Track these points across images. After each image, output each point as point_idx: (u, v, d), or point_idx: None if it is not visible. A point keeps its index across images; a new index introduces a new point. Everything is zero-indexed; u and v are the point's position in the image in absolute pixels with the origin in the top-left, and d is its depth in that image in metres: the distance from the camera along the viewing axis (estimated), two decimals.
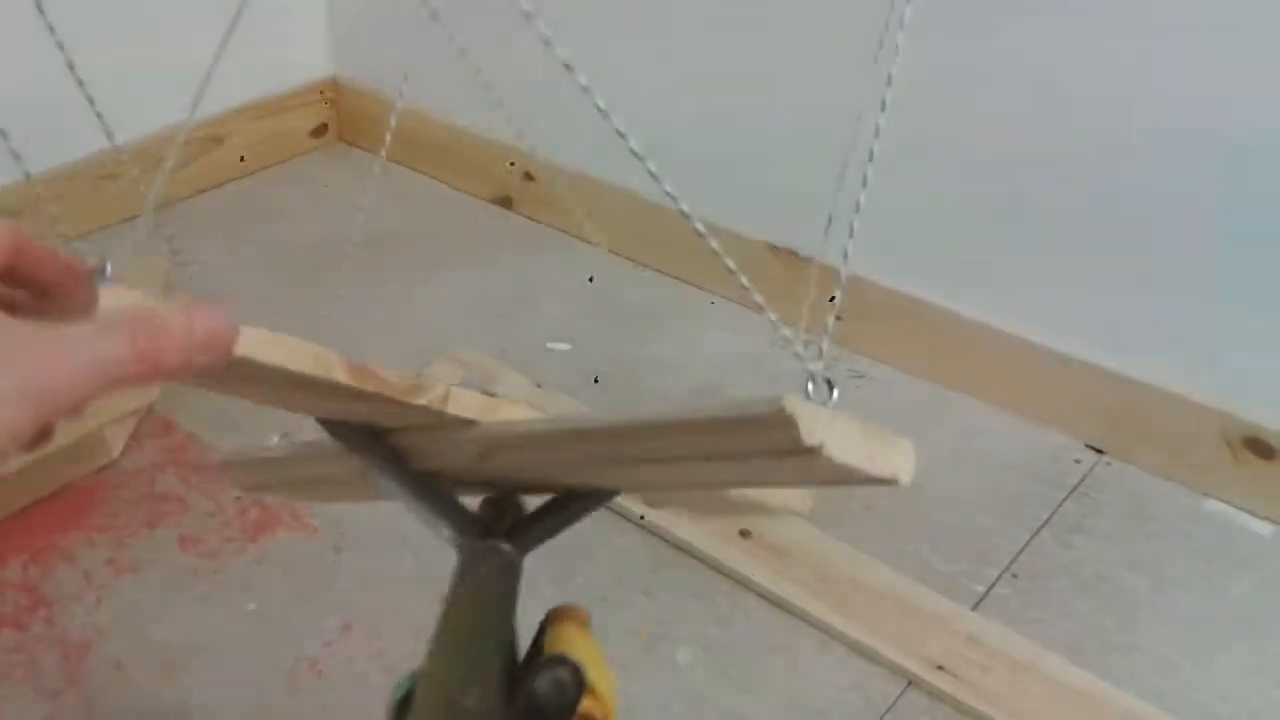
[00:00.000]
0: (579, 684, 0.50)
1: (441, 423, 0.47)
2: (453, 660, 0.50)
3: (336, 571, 0.97)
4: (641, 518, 1.00)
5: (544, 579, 0.93)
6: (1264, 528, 1.02)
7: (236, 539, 0.99)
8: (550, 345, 1.23)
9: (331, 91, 1.62)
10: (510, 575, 0.49)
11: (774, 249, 1.23)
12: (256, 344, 0.40)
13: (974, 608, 0.94)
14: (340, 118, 1.63)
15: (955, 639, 0.90)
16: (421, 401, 0.45)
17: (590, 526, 1.02)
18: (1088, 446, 1.10)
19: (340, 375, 0.43)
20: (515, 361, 1.19)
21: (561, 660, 0.50)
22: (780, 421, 0.34)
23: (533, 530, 0.49)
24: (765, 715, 0.85)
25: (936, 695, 0.86)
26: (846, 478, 0.37)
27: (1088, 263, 1.06)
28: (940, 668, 0.87)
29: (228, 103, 1.49)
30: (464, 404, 0.47)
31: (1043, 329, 1.10)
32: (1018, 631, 0.91)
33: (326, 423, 0.49)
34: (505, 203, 1.48)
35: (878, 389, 1.18)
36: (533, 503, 0.51)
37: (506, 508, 0.51)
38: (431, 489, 0.50)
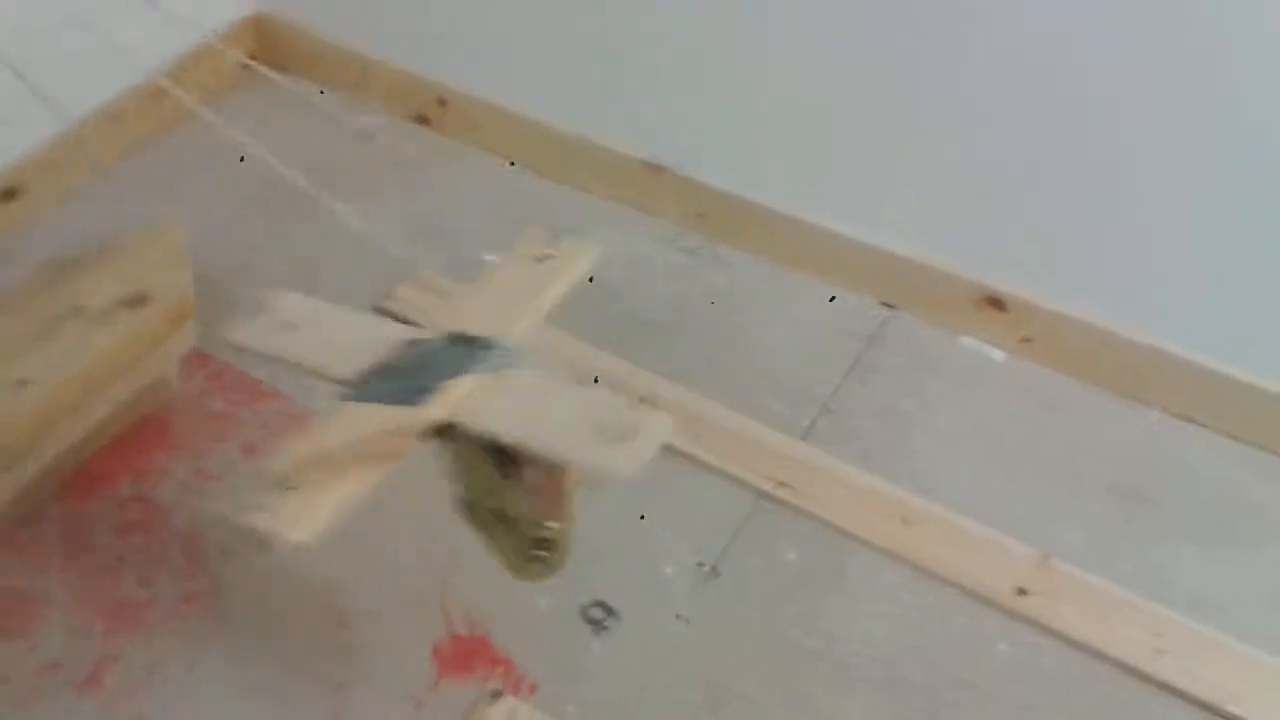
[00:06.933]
0: None
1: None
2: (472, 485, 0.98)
3: None
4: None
5: None
6: (998, 354, 1.48)
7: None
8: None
9: (255, 28, 1.87)
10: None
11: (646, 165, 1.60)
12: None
13: (803, 437, 1.38)
14: (264, 51, 1.88)
15: (791, 463, 1.35)
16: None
17: None
18: (881, 304, 1.53)
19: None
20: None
21: None
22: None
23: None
24: (672, 516, 1.30)
25: (781, 503, 1.32)
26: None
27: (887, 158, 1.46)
28: (782, 484, 1.33)
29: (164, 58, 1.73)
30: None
31: (855, 224, 1.51)
32: (831, 452, 1.36)
33: None
34: (424, 121, 1.80)
35: (737, 270, 1.59)
36: None
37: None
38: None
